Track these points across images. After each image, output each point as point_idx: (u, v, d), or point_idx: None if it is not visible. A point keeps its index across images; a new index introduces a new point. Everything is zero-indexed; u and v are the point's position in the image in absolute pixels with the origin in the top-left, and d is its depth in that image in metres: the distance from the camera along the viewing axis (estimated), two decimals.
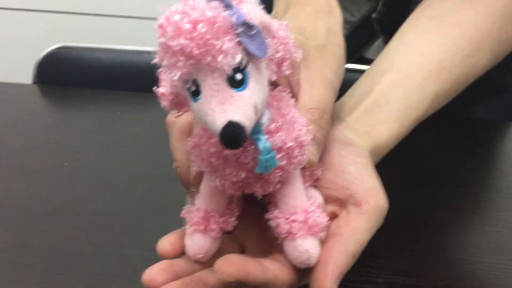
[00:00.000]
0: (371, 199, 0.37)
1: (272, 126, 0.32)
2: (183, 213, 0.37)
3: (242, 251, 0.39)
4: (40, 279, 0.45)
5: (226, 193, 0.35)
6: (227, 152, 0.32)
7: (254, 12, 0.29)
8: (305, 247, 0.34)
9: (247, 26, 0.29)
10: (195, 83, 0.29)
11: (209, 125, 0.29)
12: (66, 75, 0.88)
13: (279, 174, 0.33)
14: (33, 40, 1.65)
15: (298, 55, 0.34)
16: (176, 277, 0.34)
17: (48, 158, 0.65)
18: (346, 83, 0.44)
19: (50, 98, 0.86)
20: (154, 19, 0.28)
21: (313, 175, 0.38)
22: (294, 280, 0.36)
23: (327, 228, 0.36)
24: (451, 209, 0.56)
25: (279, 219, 0.35)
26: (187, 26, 0.27)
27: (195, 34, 0.27)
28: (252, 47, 0.29)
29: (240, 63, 0.29)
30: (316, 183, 0.38)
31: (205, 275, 0.34)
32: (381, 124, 0.44)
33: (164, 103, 0.34)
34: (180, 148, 0.40)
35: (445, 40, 0.49)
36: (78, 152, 0.67)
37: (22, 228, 0.52)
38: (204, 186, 0.36)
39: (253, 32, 0.29)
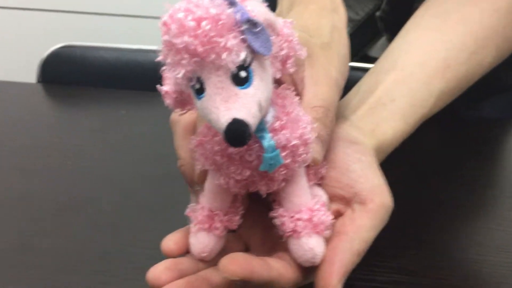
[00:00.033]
0: (376, 197, 0.37)
1: (277, 124, 0.32)
2: (188, 212, 0.36)
3: (246, 249, 0.39)
4: (43, 278, 0.45)
5: (231, 191, 0.35)
6: (231, 150, 0.32)
7: (258, 10, 0.29)
8: (310, 246, 0.34)
9: (252, 24, 0.28)
10: (199, 80, 0.29)
11: (213, 123, 0.29)
12: (70, 74, 0.88)
13: (283, 172, 0.33)
14: (37, 39, 1.65)
15: (302, 52, 0.34)
16: (181, 276, 0.34)
17: (52, 157, 0.65)
18: (350, 81, 0.44)
19: (54, 97, 0.86)
20: (158, 18, 0.28)
21: (317, 173, 0.38)
22: (299, 278, 0.35)
23: (332, 226, 0.36)
24: (456, 207, 0.56)
25: (283, 218, 0.35)
26: (191, 24, 0.27)
27: (199, 31, 0.27)
28: (256, 45, 0.28)
29: (245, 60, 0.28)
30: (320, 182, 0.38)
31: (209, 273, 0.34)
32: (386, 122, 0.44)
33: (168, 101, 0.34)
34: (184, 147, 0.40)
35: (450, 38, 0.49)
36: (82, 151, 0.67)
37: (26, 227, 0.52)
38: (208, 184, 0.36)
39: (257, 30, 0.29)
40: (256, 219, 0.39)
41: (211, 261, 0.36)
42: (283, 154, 0.32)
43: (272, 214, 0.36)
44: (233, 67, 0.28)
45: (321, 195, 0.37)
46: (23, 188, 0.58)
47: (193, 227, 0.36)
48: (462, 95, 0.50)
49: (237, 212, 0.36)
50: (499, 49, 0.52)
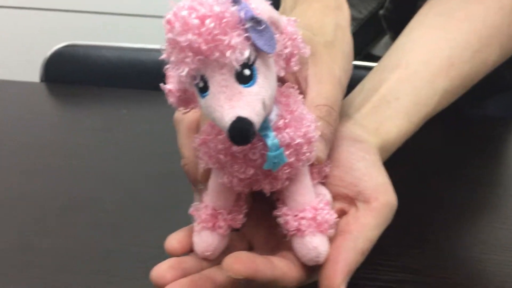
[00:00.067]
0: (380, 196, 0.37)
1: (281, 122, 0.32)
2: (191, 211, 0.36)
3: (250, 248, 0.39)
4: (44, 277, 0.45)
5: (234, 190, 0.35)
6: (235, 148, 0.32)
7: (262, 7, 0.29)
8: (314, 244, 0.34)
9: (256, 21, 0.28)
10: (203, 79, 0.29)
11: (217, 121, 0.29)
12: (73, 73, 0.88)
13: (287, 171, 0.33)
14: (40, 38, 1.65)
15: (306, 51, 0.33)
16: (185, 275, 0.34)
17: (55, 156, 0.65)
18: (354, 80, 0.44)
19: (57, 96, 0.86)
20: (160, 17, 0.28)
21: (321, 172, 0.38)
22: (303, 277, 0.35)
23: (336, 225, 0.36)
24: (459, 206, 0.56)
25: (287, 216, 0.35)
26: (195, 22, 0.27)
27: (203, 29, 0.27)
28: (260, 43, 0.28)
29: (249, 58, 0.28)
30: (324, 180, 0.38)
31: (213, 272, 0.34)
32: (390, 120, 0.44)
33: (171, 99, 0.34)
34: (187, 145, 0.40)
35: (454, 36, 0.49)
36: (85, 150, 0.67)
37: (28, 226, 0.52)
38: (212, 183, 0.36)
39: (261, 28, 0.29)
40: (259, 218, 0.39)
41: (215, 260, 0.36)
42: (287, 152, 0.32)
43: (276, 213, 0.36)
44: (237, 65, 0.28)
45: (325, 193, 0.37)
46: (25, 187, 0.58)
47: (196, 226, 0.36)
48: (466, 93, 0.50)
49: (240, 211, 0.36)
50: (503, 47, 0.51)
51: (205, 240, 0.35)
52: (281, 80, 0.35)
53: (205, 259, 0.36)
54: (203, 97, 0.29)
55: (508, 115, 0.78)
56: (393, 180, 0.39)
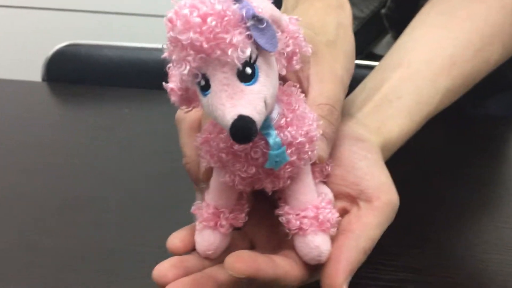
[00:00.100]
0: (382, 195, 0.37)
1: (282, 121, 0.32)
2: (193, 209, 0.36)
3: (252, 247, 0.39)
4: (45, 277, 0.45)
5: (236, 189, 0.34)
6: (237, 147, 0.32)
7: (264, 6, 0.29)
8: (316, 243, 0.34)
9: (257, 20, 0.28)
10: (205, 77, 0.29)
11: (219, 120, 0.29)
12: (74, 72, 0.88)
13: (289, 169, 0.33)
14: (41, 37, 1.65)
15: (308, 49, 0.33)
16: (187, 273, 0.33)
17: (56, 156, 0.65)
18: (355, 79, 0.44)
19: (59, 95, 0.86)
20: (162, 16, 0.28)
21: (323, 171, 0.38)
22: (305, 276, 0.35)
23: (338, 224, 0.36)
24: (461, 205, 0.56)
25: (289, 215, 0.35)
26: (197, 20, 0.27)
27: (204, 27, 0.27)
28: (262, 41, 0.28)
29: (250, 57, 0.28)
30: (326, 179, 0.38)
31: (215, 271, 0.34)
32: (392, 119, 0.44)
33: (173, 98, 0.34)
34: (189, 144, 0.40)
35: (456, 35, 0.49)
36: (86, 150, 0.67)
37: (29, 226, 0.52)
38: (214, 182, 0.36)
39: (263, 26, 0.29)
40: (261, 216, 0.39)
41: (217, 259, 0.36)
42: (289, 151, 0.32)
43: (278, 212, 0.35)
44: (238, 64, 0.28)
45: (327, 193, 0.37)
46: (26, 186, 0.58)
47: (198, 225, 0.36)
48: (468, 92, 0.50)
49: (242, 210, 0.36)
50: (505, 46, 0.51)
51: (207, 239, 0.35)
52: (283, 79, 0.35)
53: (207, 258, 0.36)
54: (205, 95, 0.29)
55: (510, 114, 0.78)
56: (395, 179, 0.39)
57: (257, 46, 0.29)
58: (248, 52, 0.28)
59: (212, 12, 0.27)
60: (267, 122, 0.31)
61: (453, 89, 0.48)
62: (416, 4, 0.65)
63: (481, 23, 0.50)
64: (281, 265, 0.34)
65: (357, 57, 0.44)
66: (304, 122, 0.33)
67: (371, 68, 0.50)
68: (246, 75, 0.29)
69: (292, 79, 0.37)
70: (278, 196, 0.36)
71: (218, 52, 0.27)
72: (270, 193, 0.35)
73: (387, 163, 0.40)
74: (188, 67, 0.28)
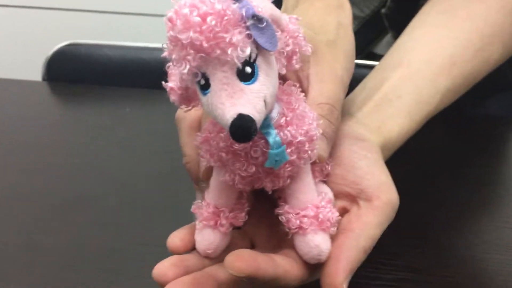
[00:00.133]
0: (382, 194, 0.37)
1: (282, 120, 0.32)
2: (193, 209, 0.36)
3: (252, 246, 0.39)
4: (46, 276, 0.45)
5: (236, 188, 0.34)
6: (237, 146, 0.32)
7: (263, 5, 0.29)
8: (316, 242, 0.34)
9: (257, 19, 0.28)
10: (205, 76, 0.29)
11: (218, 119, 0.29)
12: (75, 72, 0.88)
13: (289, 168, 0.33)
14: (42, 37, 1.65)
15: (308, 48, 0.33)
16: (187, 272, 0.34)
17: (57, 155, 0.65)
18: (355, 79, 0.44)
19: (59, 95, 0.86)
20: (162, 16, 0.28)
21: (323, 170, 0.38)
22: (305, 275, 0.35)
23: (338, 223, 0.36)
24: (461, 205, 0.56)
25: (289, 214, 0.35)
26: (197, 19, 0.27)
27: (204, 27, 0.27)
28: (262, 40, 0.28)
29: (250, 56, 0.28)
30: (326, 179, 0.38)
31: (215, 270, 0.34)
32: (392, 119, 0.44)
33: (173, 97, 0.34)
34: (189, 143, 0.40)
35: (456, 35, 0.49)
36: (87, 149, 0.67)
37: (30, 225, 0.52)
38: (214, 181, 0.36)
39: (263, 25, 0.29)
40: (261, 216, 0.39)
41: (217, 258, 0.36)
42: (289, 150, 0.32)
43: (278, 211, 0.35)
44: (238, 63, 0.28)
45: (327, 192, 0.37)
46: (27, 186, 0.58)
47: (198, 224, 0.36)
48: (468, 92, 0.50)
49: (242, 209, 0.36)
50: (505, 46, 0.51)
51: (207, 238, 0.35)
52: (283, 78, 0.35)
53: (207, 257, 0.36)
54: (205, 94, 0.29)
55: (510, 114, 0.78)
56: (395, 179, 0.39)
57: (257, 46, 0.29)
58: (247, 51, 0.28)
59: (212, 11, 0.27)
60: (267, 121, 0.31)
61: (453, 89, 0.48)
62: (416, 4, 0.65)
63: (481, 23, 0.50)
64: (281, 264, 0.34)
65: (357, 57, 0.44)
66: (304, 121, 0.33)
67: (371, 68, 0.50)
68: (245, 74, 0.29)
69: (292, 79, 0.37)
70: (278, 195, 0.36)
71: (218, 51, 0.27)
72: (270, 192, 0.35)
73: (387, 163, 0.40)
74: (188, 66, 0.28)
